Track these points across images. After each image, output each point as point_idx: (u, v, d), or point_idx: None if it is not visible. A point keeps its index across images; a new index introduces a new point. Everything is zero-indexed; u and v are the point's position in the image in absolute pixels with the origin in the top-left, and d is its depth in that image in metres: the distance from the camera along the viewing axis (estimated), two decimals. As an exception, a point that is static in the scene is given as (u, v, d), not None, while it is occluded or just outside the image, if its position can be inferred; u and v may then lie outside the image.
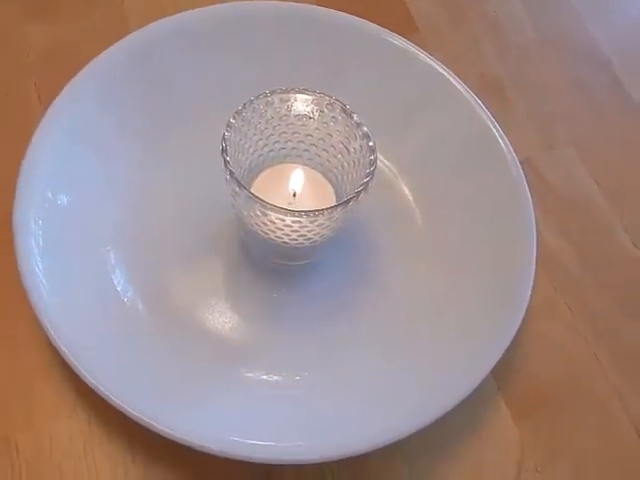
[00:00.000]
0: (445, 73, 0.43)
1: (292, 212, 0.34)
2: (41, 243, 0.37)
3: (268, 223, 0.36)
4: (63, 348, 0.34)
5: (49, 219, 0.37)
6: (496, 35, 0.50)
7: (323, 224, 0.35)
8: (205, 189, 0.41)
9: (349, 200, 0.35)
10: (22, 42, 0.45)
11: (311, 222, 0.35)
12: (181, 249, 0.40)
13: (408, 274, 0.41)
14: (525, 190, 0.41)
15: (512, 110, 0.48)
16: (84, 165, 0.39)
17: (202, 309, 0.39)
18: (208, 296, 0.39)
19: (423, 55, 0.43)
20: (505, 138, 0.42)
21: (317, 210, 0.34)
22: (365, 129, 0.36)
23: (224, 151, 0.35)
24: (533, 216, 0.40)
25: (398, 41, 0.43)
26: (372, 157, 0.36)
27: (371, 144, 0.36)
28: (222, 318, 0.39)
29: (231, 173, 0.35)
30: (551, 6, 0.52)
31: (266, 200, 0.34)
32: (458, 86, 0.43)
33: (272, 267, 0.40)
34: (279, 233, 0.36)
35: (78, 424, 0.36)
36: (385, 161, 0.43)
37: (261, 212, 0.35)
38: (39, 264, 0.36)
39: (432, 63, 0.43)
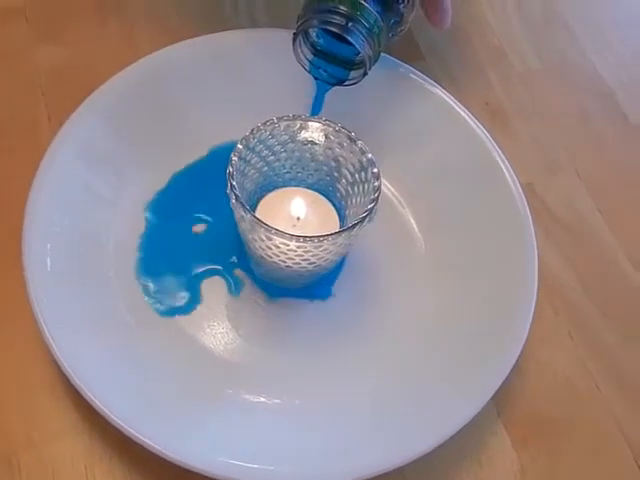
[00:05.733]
0: (450, 100, 0.44)
1: (297, 237, 0.35)
2: (48, 263, 0.37)
3: (272, 247, 0.36)
4: (66, 366, 0.35)
5: (57, 242, 0.38)
6: (500, 64, 0.51)
7: (327, 249, 0.36)
8: (212, 211, 0.42)
9: (354, 226, 0.35)
10: (33, 63, 0.46)
11: (315, 247, 0.35)
12: (185, 271, 0.41)
13: (411, 299, 0.41)
14: (527, 216, 0.41)
15: (515, 137, 0.48)
16: (93, 188, 0.40)
17: (204, 331, 0.39)
18: (210, 318, 0.39)
19: (428, 82, 0.44)
20: (508, 164, 0.42)
21: (321, 235, 0.35)
22: (370, 156, 0.37)
23: (231, 176, 0.35)
24: (535, 241, 0.41)
25: (404, 68, 0.44)
26: (376, 184, 0.36)
27: (375, 171, 0.37)
28: (224, 340, 0.39)
29: (237, 197, 0.35)
30: (555, 36, 0.53)
31: (271, 225, 0.35)
32: (462, 113, 0.43)
33: (276, 290, 0.41)
34: (283, 257, 0.37)
35: (80, 443, 0.36)
36: (389, 186, 0.44)
37: (266, 237, 0.35)
38: (46, 283, 0.37)
39: (437, 90, 0.44)
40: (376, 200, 0.36)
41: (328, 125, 0.38)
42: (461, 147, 0.43)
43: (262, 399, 0.38)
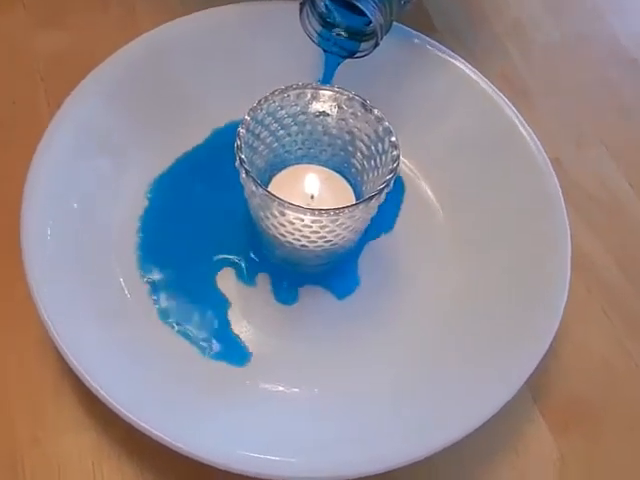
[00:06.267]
0: (469, 70, 0.41)
1: (312, 211, 0.32)
2: (50, 253, 0.35)
3: (286, 224, 0.34)
4: (71, 359, 0.32)
5: (58, 227, 0.36)
6: (517, 36, 0.48)
7: (344, 224, 0.33)
8: (218, 195, 0.40)
9: (371, 198, 0.33)
10: (31, 49, 0.44)
11: (332, 222, 0.33)
12: (195, 258, 0.38)
13: (434, 279, 0.39)
14: (557, 189, 0.39)
15: (537, 111, 0.46)
16: (92, 170, 0.38)
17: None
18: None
19: (445, 52, 0.41)
20: (534, 136, 0.40)
21: (338, 208, 0.32)
22: (387, 124, 0.35)
23: (239, 149, 0.33)
24: (566, 215, 0.38)
25: (419, 38, 0.42)
26: (395, 153, 0.34)
27: (394, 139, 0.34)
28: (237, 328, 0.37)
29: (247, 172, 0.33)
30: (573, 6, 0.50)
31: (284, 199, 0.32)
32: (483, 84, 0.41)
33: (290, 275, 0.38)
34: (297, 235, 0.34)
35: (87, 440, 0.34)
36: (406, 162, 0.41)
37: (279, 212, 0.33)
38: (48, 274, 0.35)
39: (455, 60, 0.41)
40: (395, 171, 0.34)
41: (340, 93, 0.35)
42: (483, 118, 0.40)
43: (280, 388, 0.35)
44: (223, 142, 0.39)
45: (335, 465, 0.32)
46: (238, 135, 0.34)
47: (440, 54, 0.41)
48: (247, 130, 0.34)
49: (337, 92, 0.35)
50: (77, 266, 0.36)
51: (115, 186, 0.39)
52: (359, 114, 0.36)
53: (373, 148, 0.36)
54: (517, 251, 0.38)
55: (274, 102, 0.35)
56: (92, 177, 0.38)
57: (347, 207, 0.32)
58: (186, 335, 0.36)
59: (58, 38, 0.45)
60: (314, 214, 0.32)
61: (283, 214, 0.33)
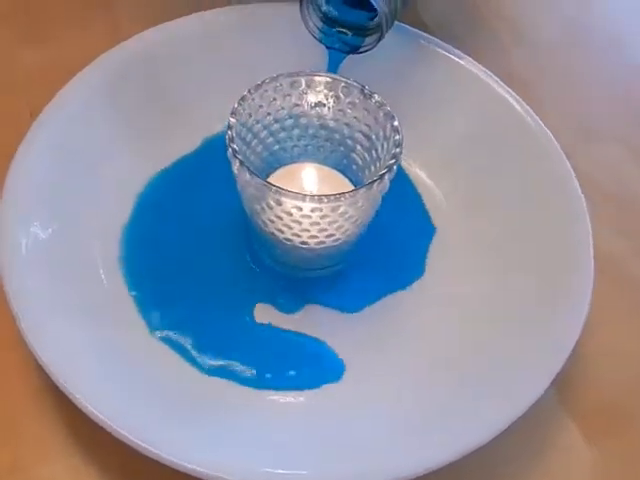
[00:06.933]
0: (471, 67, 0.39)
1: (311, 197, 0.30)
2: (29, 264, 0.33)
3: (283, 216, 0.31)
4: (56, 375, 0.29)
5: (36, 239, 0.33)
6: (516, 34, 0.47)
7: (346, 213, 0.31)
8: (210, 206, 0.37)
9: (373, 182, 0.30)
10: (14, 64, 0.43)
11: (332, 210, 0.30)
12: (185, 262, 0.36)
13: (449, 279, 0.36)
14: (574, 183, 0.36)
15: (543, 108, 0.43)
16: (71, 179, 0.36)
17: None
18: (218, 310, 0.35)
19: (445, 48, 0.40)
20: (545, 129, 0.38)
21: (338, 194, 0.30)
22: (388, 109, 0.32)
23: (231, 140, 0.31)
24: (586, 210, 0.36)
25: (422, 38, 0.40)
26: (397, 138, 0.32)
27: (396, 124, 0.32)
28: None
29: (241, 162, 0.31)
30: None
31: (281, 186, 0.30)
32: (486, 78, 0.39)
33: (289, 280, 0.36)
34: (297, 229, 0.32)
35: (69, 468, 0.31)
36: (412, 163, 0.39)
37: (275, 201, 0.30)
38: (28, 283, 0.32)
39: (457, 58, 0.39)
40: (397, 156, 0.31)
41: (337, 80, 0.33)
42: (491, 113, 0.38)
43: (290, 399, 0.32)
44: (214, 151, 0.38)
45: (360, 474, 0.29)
46: (229, 125, 0.31)
47: (440, 50, 0.40)
48: (238, 121, 0.32)
49: (333, 79, 0.33)
50: (59, 270, 0.33)
51: (98, 198, 0.36)
52: (357, 102, 0.33)
53: (374, 137, 0.34)
54: (535, 247, 0.36)
55: (266, 91, 0.33)
56: (73, 189, 0.36)
57: (349, 192, 0.30)
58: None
59: (41, 53, 0.43)
60: (313, 200, 0.30)
61: (280, 203, 0.30)
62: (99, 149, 0.37)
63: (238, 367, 0.33)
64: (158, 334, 0.34)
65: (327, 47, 0.37)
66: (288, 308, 0.35)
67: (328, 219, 0.31)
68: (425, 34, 0.40)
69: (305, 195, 0.30)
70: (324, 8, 0.36)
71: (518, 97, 0.39)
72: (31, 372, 0.32)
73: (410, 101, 0.38)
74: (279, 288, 0.35)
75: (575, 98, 0.45)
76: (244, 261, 0.36)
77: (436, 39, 0.40)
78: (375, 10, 0.34)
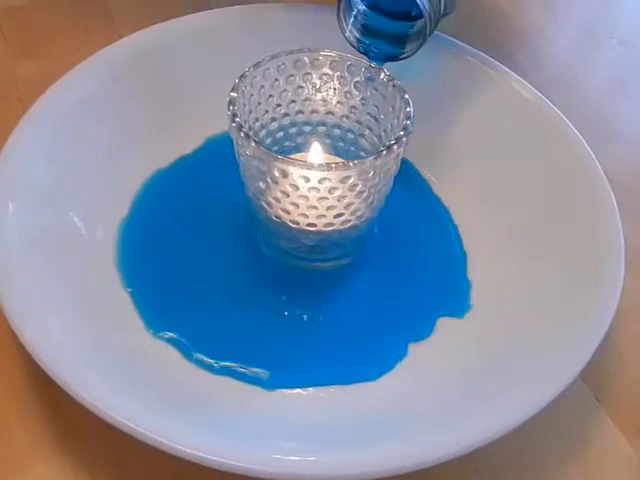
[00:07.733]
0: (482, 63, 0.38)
1: (319, 164, 0.28)
2: (24, 262, 0.30)
3: (290, 191, 0.29)
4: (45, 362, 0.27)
5: (33, 237, 0.31)
6: (521, 42, 0.46)
7: (356, 185, 0.29)
8: (212, 205, 0.35)
9: (381, 152, 0.28)
10: (11, 77, 0.42)
11: (341, 181, 0.28)
12: (185, 262, 0.34)
13: (487, 271, 0.34)
14: (601, 177, 0.35)
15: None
16: (71, 177, 0.34)
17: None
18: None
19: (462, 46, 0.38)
20: (569, 123, 0.36)
21: (347, 161, 0.28)
22: (398, 82, 0.31)
23: (234, 115, 0.29)
24: (614, 201, 0.34)
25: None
26: (408, 109, 0.30)
27: (406, 97, 0.30)
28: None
29: (246, 135, 0.29)
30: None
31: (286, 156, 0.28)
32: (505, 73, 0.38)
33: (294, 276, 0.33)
34: (303, 207, 0.30)
35: (58, 469, 0.28)
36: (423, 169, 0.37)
37: (281, 173, 0.28)
38: (22, 282, 0.29)
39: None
40: (408, 128, 0.29)
41: (343, 57, 0.32)
42: (512, 109, 0.37)
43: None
44: (213, 151, 0.37)
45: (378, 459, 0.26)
46: (230, 101, 0.30)
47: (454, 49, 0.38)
48: (239, 95, 0.30)
49: (339, 57, 0.32)
50: (52, 276, 0.31)
51: (95, 197, 0.34)
52: (364, 80, 0.32)
53: (382, 117, 0.32)
54: (565, 239, 0.34)
55: (268, 69, 0.31)
56: (69, 188, 0.34)
57: (358, 161, 0.28)
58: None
59: (38, 65, 0.42)
60: (322, 168, 0.28)
61: (285, 175, 0.28)
62: (96, 148, 0.35)
63: (242, 367, 0.30)
64: (158, 333, 0.31)
65: (368, 57, 0.34)
66: (293, 306, 0.33)
67: (337, 192, 0.29)
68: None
69: (312, 163, 0.28)
70: (363, 21, 0.35)
71: (537, 92, 0.37)
72: (25, 370, 0.30)
73: (433, 102, 0.37)
74: (282, 285, 0.33)
75: (585, 99, 0.43)
76: (245, 259, 0.34)
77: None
78: (414, 18, 0.33)
